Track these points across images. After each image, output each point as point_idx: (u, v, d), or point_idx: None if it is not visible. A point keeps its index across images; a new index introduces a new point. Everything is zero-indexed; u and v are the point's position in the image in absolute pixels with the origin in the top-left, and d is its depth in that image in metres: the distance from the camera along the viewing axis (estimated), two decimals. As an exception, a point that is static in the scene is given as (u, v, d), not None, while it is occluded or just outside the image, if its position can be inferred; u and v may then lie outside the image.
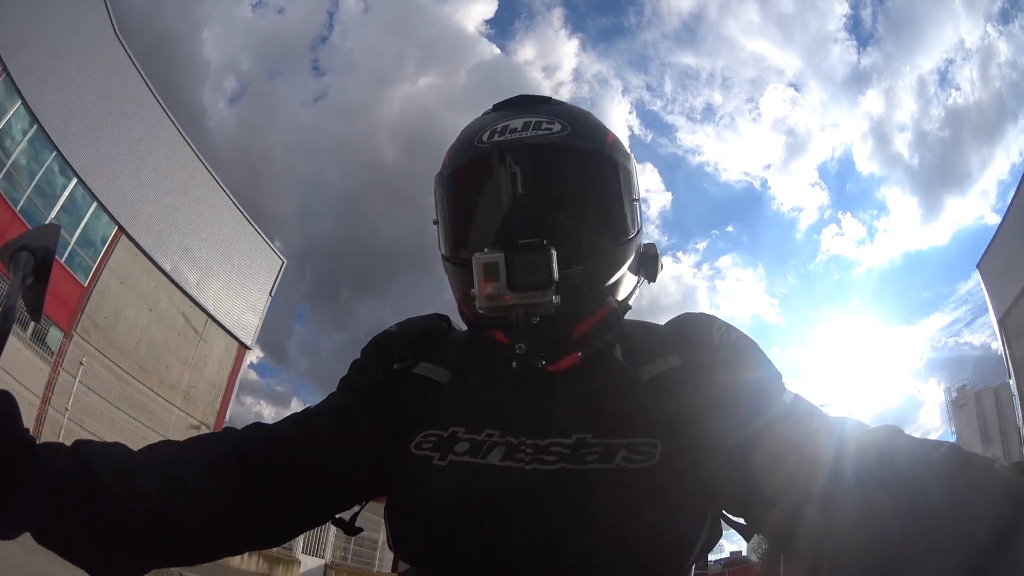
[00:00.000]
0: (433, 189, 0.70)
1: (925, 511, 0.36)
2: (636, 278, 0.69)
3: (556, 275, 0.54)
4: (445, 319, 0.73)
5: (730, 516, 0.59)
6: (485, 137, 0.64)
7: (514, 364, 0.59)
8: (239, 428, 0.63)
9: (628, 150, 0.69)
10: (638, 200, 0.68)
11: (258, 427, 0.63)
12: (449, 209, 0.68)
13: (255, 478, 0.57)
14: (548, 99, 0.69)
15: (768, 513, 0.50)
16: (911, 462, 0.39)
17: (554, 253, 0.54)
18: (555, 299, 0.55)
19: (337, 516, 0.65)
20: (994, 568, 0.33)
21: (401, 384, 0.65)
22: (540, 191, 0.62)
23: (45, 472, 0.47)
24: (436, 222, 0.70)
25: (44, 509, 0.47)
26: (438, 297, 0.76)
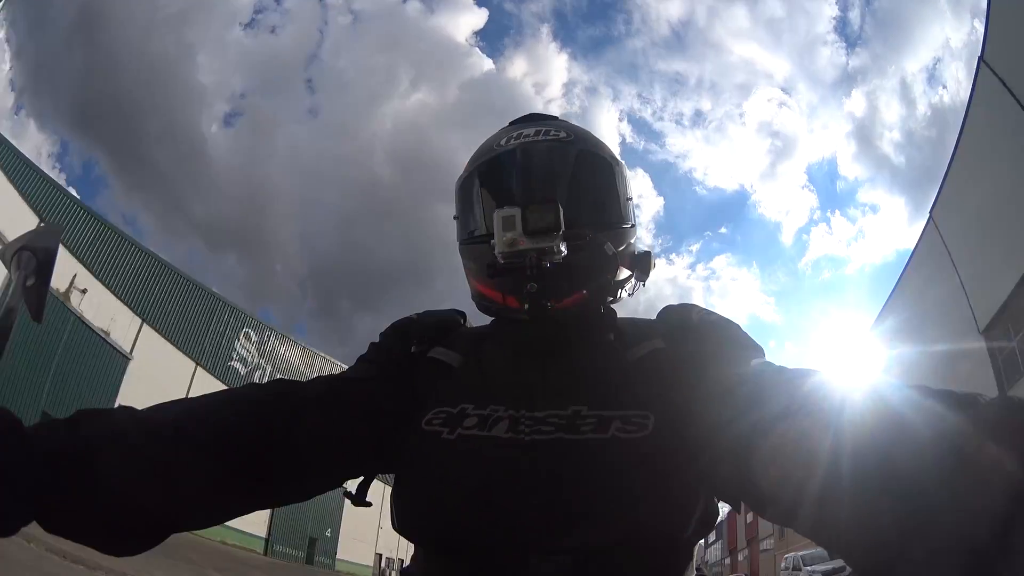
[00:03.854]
0: (454, 193, 0.78)
1: (924, 512, 0.35)
2: (629, 273, 0.74)
3: (563, 225, 0.61)
4: (462, 314, 0.78)
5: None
6: (503, 142, 0.73)
7: (526, 306, 0.63)
8: (262, 383, 0.62)
9: (622, 162, 0.78)
10: (631, 199, 0.76)
11: (284, 383, 0.62)
12: (471, 199, 0.75)
13: (273, 438, 0.56)
14: (555, 117, 0.80)
15: (765, 511, 0.50)
16: (910, 461, 0.38)
17: (561, 209, 0.62)
18: (562, 247, 0.62)
19: (346, 491, 0.68)
20: (996, 568, 0.32)
21: (416, 366, 0.69)
22: (551, 172, 0.72)
23: (40, 458, 0.45)
24: (456, 217, 0.77)
25: (42, 496, 0.45)
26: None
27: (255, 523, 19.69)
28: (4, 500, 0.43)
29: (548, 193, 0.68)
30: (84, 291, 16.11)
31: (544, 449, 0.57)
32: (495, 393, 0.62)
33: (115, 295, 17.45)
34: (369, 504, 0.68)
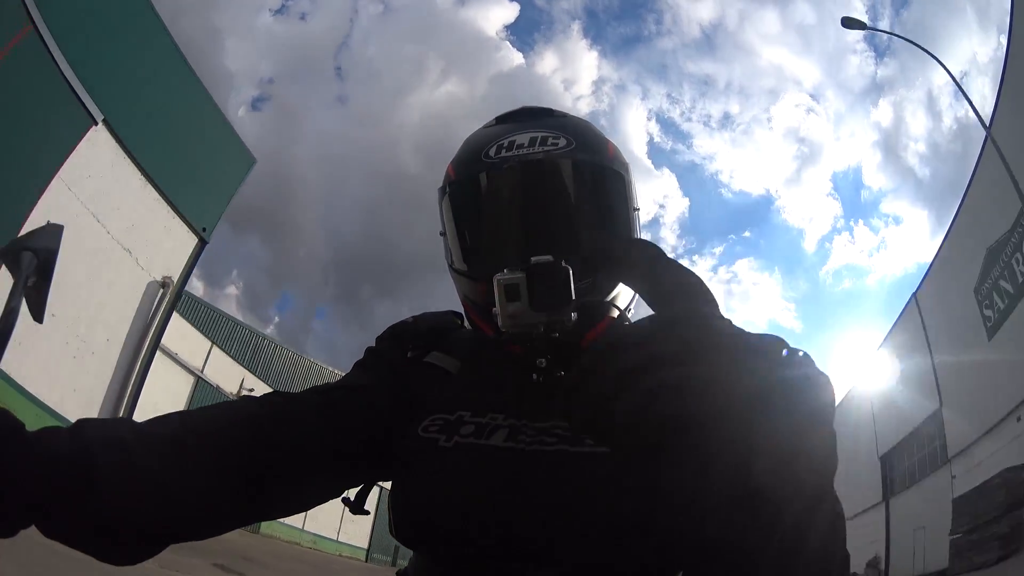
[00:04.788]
0: (438, 201, 0.71)
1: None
2: None
3: (574, 294, 0.55)
4: (459, 316, 0.74)
5: None
6: (492, 152, 0.65)
7: (535, 376, 0.59)
8: (258, 396, 0.61)
9: (625, 159, 0.70)
10: (637, 210, 0.70)
11: (280, 395, 0.62)
12: (457, 223, 0.68)
13: (271, 450, 0.55)
14: (551, 111, 0.71)
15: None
16: None
17: (571, 272, 0.55)
18: (573, 316, 0.56)
19: (343, 497, 0.66)
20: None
21: (413, 371, 0.67)
22: (549, 206, 0.64)
23: (41, 461, 0.44)
24: (443, 234, 0.71)
25: (42, 500, 0.44)
26: (452, 301, 0.75)
27: (359, 537, 23.35)
28: (3, 502, 0.42)
29: (554, 247, 0.60)
30: (251, 390, 19.11)
31: (546, 461, 0.56)
32: (494, 400, 0.61)
33: (272, 388, 20.58)
34: (367, 512, 0.66)
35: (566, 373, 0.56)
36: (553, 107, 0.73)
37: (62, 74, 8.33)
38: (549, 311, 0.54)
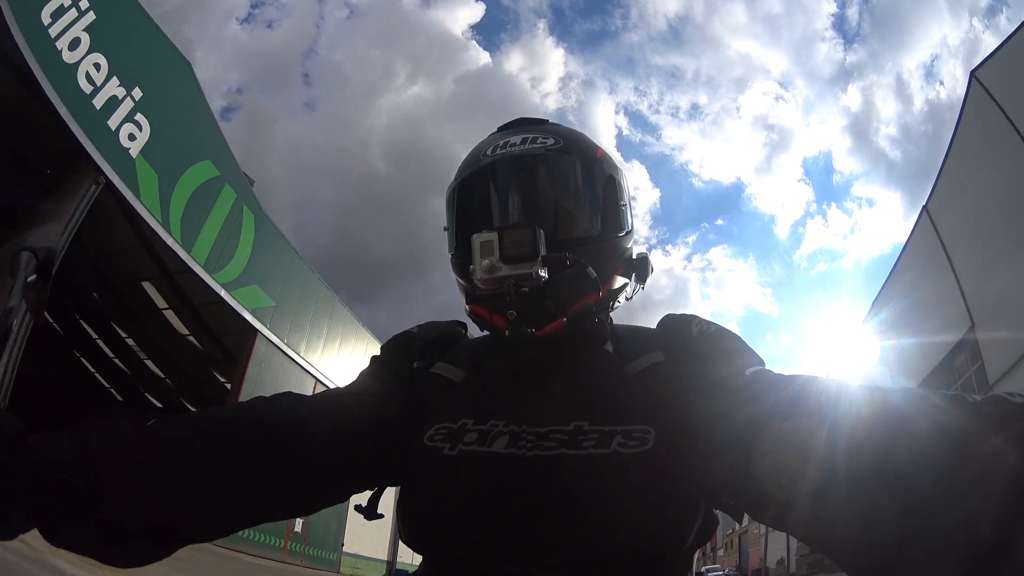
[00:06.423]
0: (445, 202, 0.78)
1: (923, 509, 0.35)
2: (626, 280, 0.73)
3: (542, 250, 0.60)
4: (462, 326, 0.78)
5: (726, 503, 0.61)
6: (488, 152, 0.72)
7: (507, 332, 0.63)
8: (270, 397, 0.61)
9: (618, 164, 0.75)
10: (626, 205, 0.74)
11: (291, 397, 0.61)
12: (456, 213, 0.75)
13: (281, 452, 0.55)
14: (545, 121, 0.78)
15: (764, 508, 0.49)
16: (908, 456, 0.38)
17: (541, 232, 0.60)
18: (542, 272, 0.60)
19: (357, 505, 0.68)
20: (996, 565, 0.32)
21: (419, 382, 0.69)
22: (533, 189, 0.70)
23: (43, 466, 0.44)
24: (446, 228, 0.77)
25: (44, 506, 0.44)
26: (429, 301, 0.97)
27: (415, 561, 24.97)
28: (2, 504, 0.42)
29: (527, 213, 0.68)
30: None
31: (547, 464, 0.58)
32: (495, 408, 0.63)
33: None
34: (381, 516, 0.67)
35: (536, 330, 0.62)
36: (537, 115, 0.79)
37: (291, 358, 13.61)
38: (516, 262, 0.59)
